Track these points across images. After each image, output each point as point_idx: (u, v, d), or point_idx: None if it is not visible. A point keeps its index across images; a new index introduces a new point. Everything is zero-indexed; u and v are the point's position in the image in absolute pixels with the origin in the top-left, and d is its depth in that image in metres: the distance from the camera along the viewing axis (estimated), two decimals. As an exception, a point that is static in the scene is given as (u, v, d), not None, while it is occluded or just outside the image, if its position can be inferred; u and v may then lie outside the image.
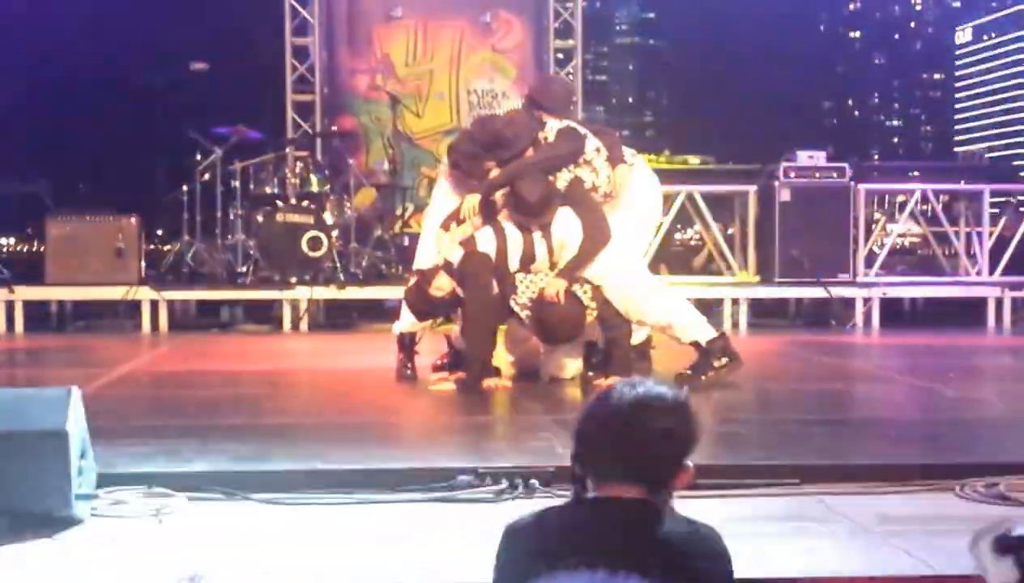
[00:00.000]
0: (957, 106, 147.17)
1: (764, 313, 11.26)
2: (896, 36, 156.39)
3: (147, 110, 13.14)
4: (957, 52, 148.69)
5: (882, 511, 3.93)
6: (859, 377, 7.94)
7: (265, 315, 10.88)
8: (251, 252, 10.61)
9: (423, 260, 6.83)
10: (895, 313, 11.22)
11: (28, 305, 10.37)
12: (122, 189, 16.69)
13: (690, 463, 2.31)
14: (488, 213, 6.59)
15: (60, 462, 3.62)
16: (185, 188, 10.86)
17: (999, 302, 10.96)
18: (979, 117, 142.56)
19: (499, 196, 6.61)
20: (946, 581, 3.18)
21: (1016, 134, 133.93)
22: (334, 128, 12.08)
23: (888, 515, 3.87)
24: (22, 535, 3.55)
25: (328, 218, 10.45)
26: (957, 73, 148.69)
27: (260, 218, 10.48)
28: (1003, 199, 12.05)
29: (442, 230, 6.69)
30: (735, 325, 10.48)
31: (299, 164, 10.87)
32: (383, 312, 10.19)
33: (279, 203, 10.45)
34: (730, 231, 11.90)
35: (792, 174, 10.81)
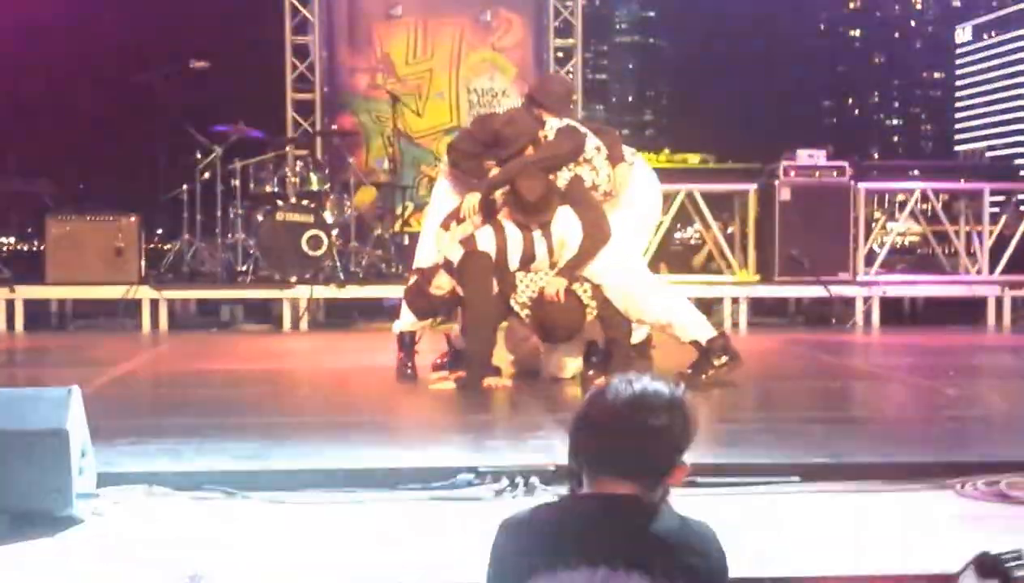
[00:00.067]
0: (957, 105, 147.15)
1: (764, 312, 11.26)
2: (896, 35, 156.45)
3: (147, 109, 13.13)
4: (957, 51, 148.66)
5: (882, 509, 3.93)
6: (859, 376, 7.93)
7: (265, 314, 10.88)
8: (251, 251, 10.61)
9: (423, 259, 6.83)
10: (895, 312, 11.22)
11: (28, 304, 10.37)
12: (122, 188, 16.70)
13: (686, 460, 2.31)
14: (488, 212, 6.59)
15: (60, 461, 3.62)
16: (185, 187, 10.86)
17: (999, 301, 10.96)
18: (979, 116, 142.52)
19: (499, 195, 6.61)
20: (946, 580, 3.18)
21: (1016, 133, 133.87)
22: (334, 127, 12.08)
23: (888, 513, 3.87)
24: (22, 534, 3.55)
25: (328, 217, 10.45)
26: (957, 72, 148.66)
27: (260, 217, 10.48)
28: (1003, 198, 12.04)
29: (442, 229, 6.69)
30: (735, 324, 10.48)
31: (299, 163, 10.87)
32: (383, 311, 10.19)
33: (279, 202, 10.44)
34: (730, 230, 11.89)
35: (792, 173, 10.81)
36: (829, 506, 3.98)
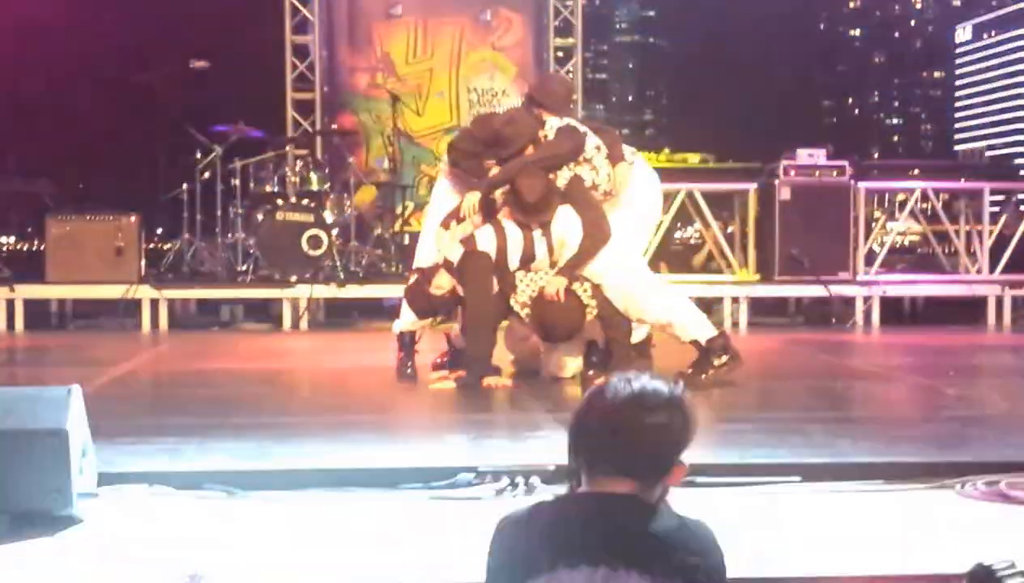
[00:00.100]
0: (957, 104, 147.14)
1: (764, 312, 11.26)
2: (896, 34, 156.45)
3: (147, 109, 13.12)
4: (957, 50, 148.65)
5: (882, 509, 3.93)
6: (859, 375, 7.93)
7: (265, 313, 10.88)
8: (251, 250, 10.61)
9: (423, 258, 6.83)
10: (895, 311, 11.22)
11: (28, 304, 10.37)
12: (122, 188, 16.68)
13: (685, 459, 2.31)
14: (488, 211, 6.60)
15: (61, 461, 3.62)
16: (185, 187, 10.87)
17: (999, 300, 10.96)
18: (979, 115, 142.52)
19: (499, 194, 6.61)
20: (946, 580, 3.18)
21: (1016, 132, 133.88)
22: (334, 126, 12.08)
23: (888, 513, 3.88)
24: (22, 534, 3.55)
25: (328, 216, 10.45)
26: (957, 71, 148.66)
27: (260, 216, 10.47)
28: (1003, 197, 12.04)
29: (442, 228, 6.69)
30: (735, 324, 10.47)
31: (299, 162, 10.87)
32: (383, 310, 10.19)
33: (279, 201, 10.44)
34: (730, 229, 11.89)
35: (792, 172, 10.81)
36: (829, 506, 3.98)
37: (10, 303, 10.22)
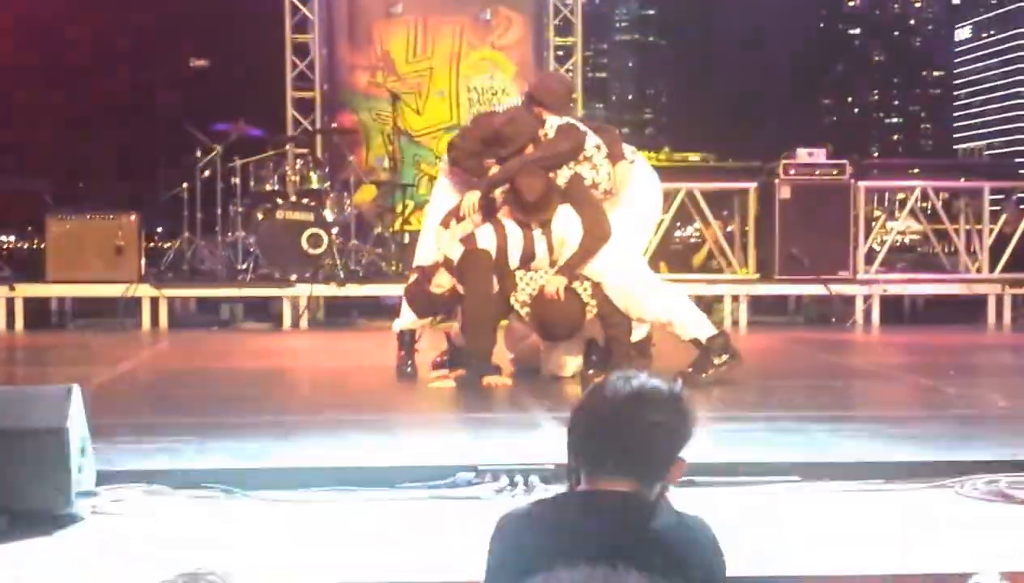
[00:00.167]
0: (957, 103, 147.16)
1: (764, 311, 11.26)
2: (896, 33, 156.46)
3: (147, 108, 13.12)
4: (957, 49, 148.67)
5: (882, 509, 3.93)
6: (859, 374, 7.93)
7: (265, 312, 10.88)
8: (251, 249, 10.60)
9: (423, 257, 6.83)
10: (895, 310, 11.22)
11: (28, 302, 10.36)
12: (122, 187, 16.69)
13: (684, 457, 2.31)
14: (488, 210, 6.59)
15: (60, 460, 3.62)
16: (185, 185, 10.86)
17: (999, 299, 10.95)
18: (979, 114, 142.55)
19: (499, 193, 6.61)
20: (946, 580, 3.18)
21: (1016, 131, 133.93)
22: (334, 125, 12.07)
23: (888, 513, 3.87)
24: (22, 533, 3.54)
25: (328, 215, 10.45)
26: (956, 70, 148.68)
27: (260, 215, 10.47)
28: (1003, 196, 12.04)
29: (442, 227, 6.69)
30: (735, 323, 10.47)
31: (299, 161, 10.87)
32: (383, 309, 10.19)
33: (279, 200, 10.44)
34: (730, 228, 11.89)
35: (792, 171, 10.80)
36: (828, 505, 3.97)
37: (10, 302, 10.22)
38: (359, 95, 12.41)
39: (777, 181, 10.75)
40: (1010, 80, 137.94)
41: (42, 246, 11.09)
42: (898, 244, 14.49)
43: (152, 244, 13.60)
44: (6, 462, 3.59)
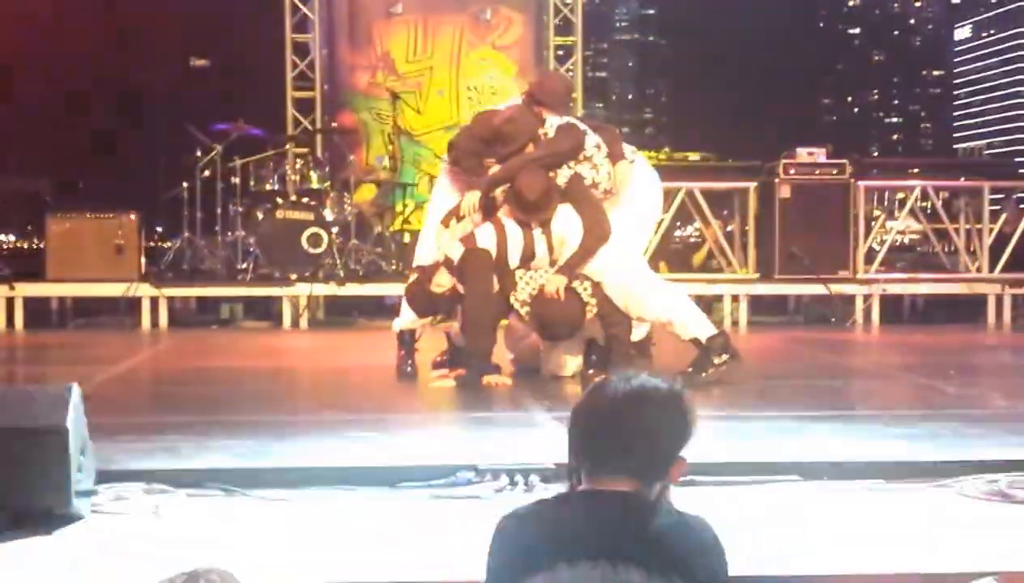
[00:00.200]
0: (956, 103, 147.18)
1: (764, 310, 11.26)
2: (895, 33, 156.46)
3: (147, 107, 13.12)
4: (956, 48, 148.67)
5: (882, 508, 3.93)
6: (859, 374, 7.93)
7: (265, 312, 10.88)
8: (251, 249, 10.60)
9: (423, 257, 6.83)
10: (895, 310, 11.22)
11: (29, 302, 10.37)
12: (122, 186, 16.69)
13: (684, 456, 2.31)
14: (488, 209, 6.59)
15: (60, 459, 3.62)
16: (185, 185, 10.86)
17: (999, 299, 10.95)
18: (979, 114, 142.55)
19: (499, 192, 6.60)
20: (946, 580, 3.18)
21: (1016, 130, 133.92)
22: (334, 124, 12.07)
23: (888, 512, 3.87)
24: (22, 532, 3.54)
25: (328, 215, 10.45)
26: (956, 70, 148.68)
27: (260, 215, 10.48)
28: (1003, 195, 12.03)
29: (442, 226, 6.69)
30: (735, 322, 10.47)
31: (299, 161, 10.87)
32: (383, 309, 10.19)
33: (279, 200, 10.45)
34: (730, 228, 11.88)
35: (792, 171, 10.80)
36: (828, 504, 3.97)
37: (10, 301, 10.22)
38: (359, 95, 12.41)
39: (777, 181, 10.75)
40: (1010, 79, 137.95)
41: (42, 245, 11.09)
42: (898, 244, 14.48)
43: (152, 243, 13.60)
44: (6, 461, 3.59)
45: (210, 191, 10.89)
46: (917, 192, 11.51)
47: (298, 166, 10.70)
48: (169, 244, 11.75)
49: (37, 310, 10.58)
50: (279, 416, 5.60)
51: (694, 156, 11.81)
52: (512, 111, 6.99)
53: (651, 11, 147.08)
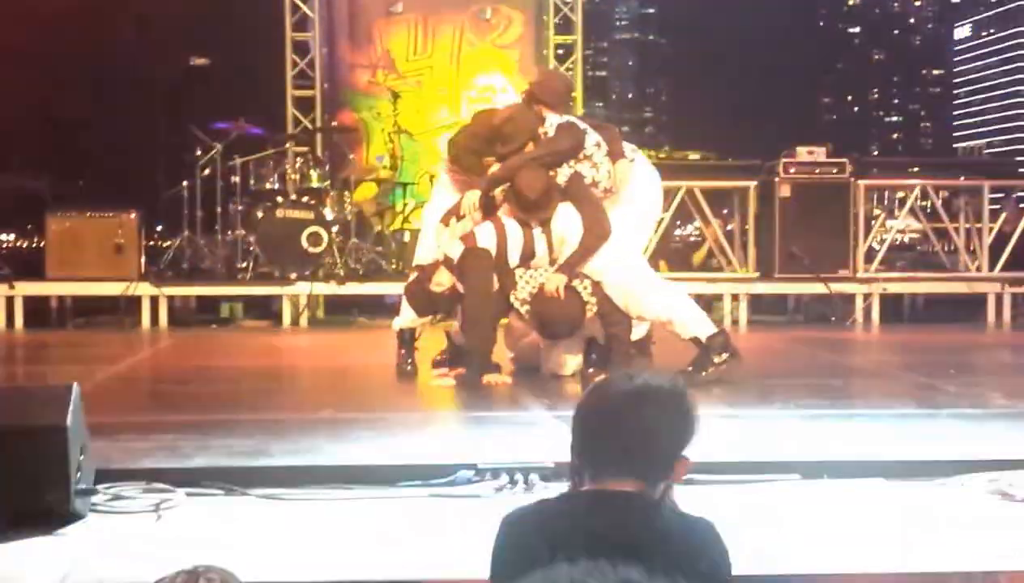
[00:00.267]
0: (956, 102, 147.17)
1: (764, 309, 11.26)
2: (895, 32, 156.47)
3: (147, 105, 13.11)
4: (956, 48, 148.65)
5: (882, 507, 3.93)
6: (859, 373, 7.93)
7: (265, 311, 10.88)
8: (251, 248, 10.59)
9: (423, 255, 6.83)
10: (895, 309, 11.21)
11: (28, 301, 10.36)
12: (122, 185, 16.69)
13: (688, 455, 2.31)
14: (488, 208, 6.59)
15: (60, 458, 3.62)
16: (185, 184, 10.86)
17: (999, 298, 10.95)
18: (979, 113, 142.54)
19: (499, 191, 6.60)
20: (947, 579, 3.17)
21: (1016, 129, 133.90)
22: (334, 123, 12.07)
23: (888, 511, 3.87)
24: (22, 531, 3.54)
25: (328, 214, 10.45)
26: (956, 69, 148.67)
27: (260, 214, 10.46)
28: (1002, 194, 12.03)
29: (442, 225, 6.69)
30: (735, 321, 10.47)
31: (299, 160, 10.86)
32: (383, 308, 10.19)
33: (279, 199, 10.44)
34: (730, 227, 11.88)
35: (792, 170, 10.80)
36: (829, 503, 3.97)
37: (10, 300, 10.22)
38: (359, 93, 12.41)
39: (777, 179, 10.74)
40: (1010, 78, 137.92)
41: (42, 244, 11.08)
42: (898, 243, 14.48)
43: (152, 242, 13.58)
44: (6, 459, 3.59)
45: (210, 190, 10.88)
46: (917, 191, 11.50)
47: (298, 165, 10.69)
48: (169, 243, 11.73)
49: (37, 309, 10.57)
50: (279, 415, 5.60)
51: (694, 155, 11.82)
52: (512, 110, 6.99)
53: (651, 10, 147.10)
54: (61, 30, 17.31)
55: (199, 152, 10.85)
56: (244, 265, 10.59)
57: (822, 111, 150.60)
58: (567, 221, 6.45)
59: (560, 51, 12.67)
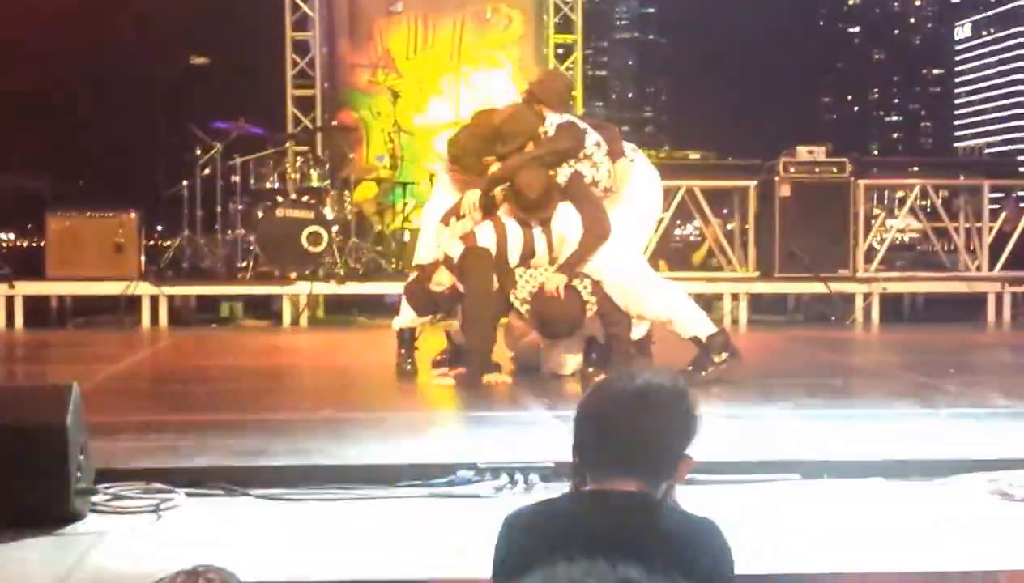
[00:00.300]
0: (956, 101, 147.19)
1: (764, 309, 11.25)
2: (895, 31, 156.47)
3: (147, 105, 13.11)
4: (956, 47, 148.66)
5: (882, 507, 3.93)
6: (859, 372, 7.93)
7: (265, 310, 10.88)
8: (251, 247, 10.59)
9: (423, 255, 6.83)
10: (895, 309, 11.21)
11: (28, 300, 10.36)
12: (122, 185, 16.68)
13: (690, 454, 2.31)
14: (488, 208, 6.59)
15: (60, 458, 3.62)
16: (185, 183, 10.85)
17: (999, 297, 10.95)
18: (978, 112, 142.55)
19: (499, 191, 6.60)
20: (947, 579, 3.18)
21: (1016, 129, 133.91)
22: (334, 123, 12.07)
23: (888, 511, 3.87)
24: (21, 531, 3.54)
25: (328, 213, 10.44)
26: (956, 68, 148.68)
27: (260, 213, 10.46)
28: (1002, 194, 12.03)
29: (442, 225, 6.69)
30: (735, 321, 10.47)
31: (299, 159, 10.85)
32: (383, 307, 10.19)
33: (279, 198, 10.43)
34: (730, 226, 11.88)
35: (792, 169, 10.79)
36: (829, 503, 3.97)
37: (10, 300, 10.22)
38: (359, 93, 12.41)
39: (777, 179, 10.74)
40: (1010, 78, 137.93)
41: (42, 244, 11.08)
42: (898, 242, 14.49)
43: (152, 242, 13.58)
44: (6, 460, 3.59)
45: (210, 189, 10.88)
46: (917, 190, 11.50)
47: (298, 164, 10.68)
48: (169, 242, 11.73)
49: (37, 308, 10.57)
50: (279, 415, 5.60)
51: (694, 154, 11.84)
52: (512, 109, 6.99)
53: (651, 9, 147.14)
54: (61, 30, 17.29)
55: (199, 152, 10.85)
56: (244, 265, 10.59)
57: (822, 111, 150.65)
58: (567, 220, 6.45)
59: (560, 50, 12.67)
